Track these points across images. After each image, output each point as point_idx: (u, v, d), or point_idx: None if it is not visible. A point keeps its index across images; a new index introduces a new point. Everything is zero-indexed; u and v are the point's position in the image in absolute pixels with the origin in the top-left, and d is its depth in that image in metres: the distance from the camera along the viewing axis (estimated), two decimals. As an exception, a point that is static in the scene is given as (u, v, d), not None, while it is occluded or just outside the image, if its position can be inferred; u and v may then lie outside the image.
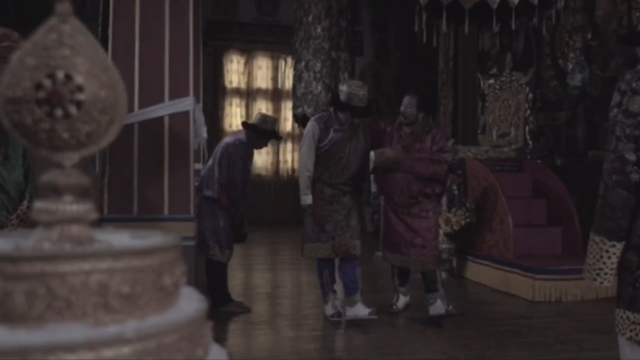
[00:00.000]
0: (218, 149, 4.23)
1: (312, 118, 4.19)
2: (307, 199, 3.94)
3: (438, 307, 3.90)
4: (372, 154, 4.05)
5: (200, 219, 4.06)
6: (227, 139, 4.35)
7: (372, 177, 4.23)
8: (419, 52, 8.19)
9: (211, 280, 4.16)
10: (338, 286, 3.94)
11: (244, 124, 4.43)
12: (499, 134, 6.66)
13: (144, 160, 3.27)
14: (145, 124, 3.25)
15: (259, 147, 4.42)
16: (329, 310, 3.97)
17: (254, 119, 4.43)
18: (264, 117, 4.36)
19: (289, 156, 11.07)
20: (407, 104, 4.07)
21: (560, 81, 7.43)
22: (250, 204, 4.39)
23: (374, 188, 4.35)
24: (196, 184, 4.22)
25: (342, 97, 3.88)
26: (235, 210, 4.14)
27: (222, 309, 4.08)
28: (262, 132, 4.23)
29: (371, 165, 4.06)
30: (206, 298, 0.83)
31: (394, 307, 4.27)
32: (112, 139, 0.82)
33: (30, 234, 0.80)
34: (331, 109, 4.03)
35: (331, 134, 3.91)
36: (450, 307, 3.90)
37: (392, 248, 4.11)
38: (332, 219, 3.91)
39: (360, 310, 3.86)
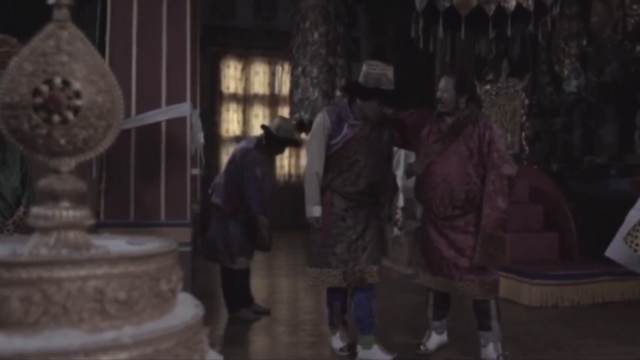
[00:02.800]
0: (230, 156, 4.19)
1: (323, 109, 3.42)
2: (315, 210, 3.18)
3: (489, 352, 3.14)
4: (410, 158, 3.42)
5: (211, 225, 4.08)
6: (238, 145, 4.24)
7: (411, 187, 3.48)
8: (416, 58, 8.22)
9: (223, 286, 4.16)
10: (349, 319, 3.35)
11: (263, 126, 4.22)
12: (495, 140, 6.67)
13: (140, 165, 3.27)
14: (142, 129, 3.25)
15: (274, 153, 4.21)
16: (337, 342, 3.33)
17: (271, 123, 4.24)
18: (279, 124, 4.11)
19: (286, 161, 11.07)
20: (443, 87, 3.17)
21: (556, 87, 7.47)
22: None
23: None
24: (210, 190, 4.25)
25: (368, 81, 3.11)
26: (247, 217, 3.98)
27: (234, 314, 4.08)
28: (274, 139, 4.04)
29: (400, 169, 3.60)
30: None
31: (422, 347, 3.37)
32: (109, 144, 0.82)
33: (26, 239, 0.80)
34: (345, 100, 3.29)
35: (345, 130, 3.15)
36: (507, 353, 3.17)
37: (433, 270, 3.27)
38: (344, 239, 3.15)
39: (378, 355, 3.16)
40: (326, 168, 3.18)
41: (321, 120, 3.21)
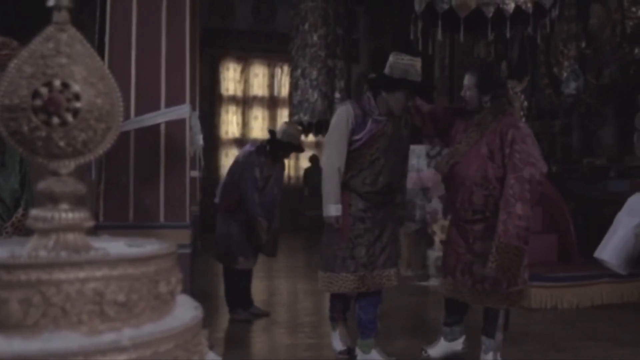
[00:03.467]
0: (235, 157, 4.30)
1: (346, 101, 3.20)
2: (335, 208, 2.95)
3: None
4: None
5: (216, 225, 4.19)
6: (243, 148, 4.35)
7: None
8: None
9: (225, 286, 4.22)
10: (351, 318, 3.25)
11: (269, 131, 4.27)
12: (494, 142, 6.68)
13: (140, 167, 3.26)
14: (142, 131, 3.25)
15: (278, 157, 4.18)
16: (337, 344, 3.23)
17: (279, 128, 4.26)
18: (284, 129, 4.13)
19: (285, 163, 11.08)
20: (466, 85, 3.03)
21: (555, 89, 7.48)
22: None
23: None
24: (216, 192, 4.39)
25: (394, 72, 2.94)
26: (247, 218, 4.00)
27: (232, 315, 4.12)
28: (277, 143, 4.05)
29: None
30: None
31: (424, 352, 3.22)
32: (108, 146, 0.82)
33: (25, 241, 0.80)
34: (369, 94, 3.05)
35: (369, 125, 2.95)
36: None
37: (446, 271, 3.12)
38: (363, 242, 2.99)
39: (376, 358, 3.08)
40: (345, 165, 2.98)
41: (345, 113, 2.98)
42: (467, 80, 3.02)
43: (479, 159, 2.91)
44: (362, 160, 2.98)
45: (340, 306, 3.23)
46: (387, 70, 2.99)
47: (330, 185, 2.96)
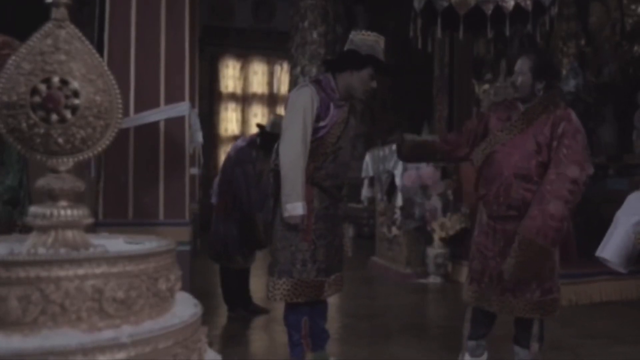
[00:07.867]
0: (226, 154, 4.31)
1: (307, 83, 2.74)
2: (299, 207, 2.54)
3: None
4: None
5: (211, 225, 4.19)
6: (234, 143, 4.34)
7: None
8: (414, 58, 8.24)
9: (222, 285, 4.22)
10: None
11: (258, 125, 4.30)
12: (494, 140, 6.68)
13: (139, 165, 3.27)
14: (141, 128, 3.25)
15: (271, 150, 4.24)
16: None
17: (267, 121, 4.27)
18: (273, 121, 4.06)
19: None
20: (518, 69, 2.65)
21: (554, 87, 7.48)
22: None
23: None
24: (211, 191, 4.40)
25: (362, 48, 2.61)
26: (242, 216, 3.99)
27: (232, 313, 4.14)
28: (268, 136, 3.99)
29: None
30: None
31: None
32: (107, 143, 0.82)
33: (25, 238, 0.80)
34: (328, 75, 2.70)
35: (332, 110, 2.63)
36: None
37: (471, 276, 2.77)
38: (324, 244, 2.65)
39: None
40: (308, 156, 2.61)
41: (309, 95, 2.58)
42: (521, 64, 2.65)
43: (522, 150, 2.59)
44: (325, 151, 2.63)
45: (306, 322, 2.69)
46: (351, 47, 2.67)
47: (295, 180, 2.53)
